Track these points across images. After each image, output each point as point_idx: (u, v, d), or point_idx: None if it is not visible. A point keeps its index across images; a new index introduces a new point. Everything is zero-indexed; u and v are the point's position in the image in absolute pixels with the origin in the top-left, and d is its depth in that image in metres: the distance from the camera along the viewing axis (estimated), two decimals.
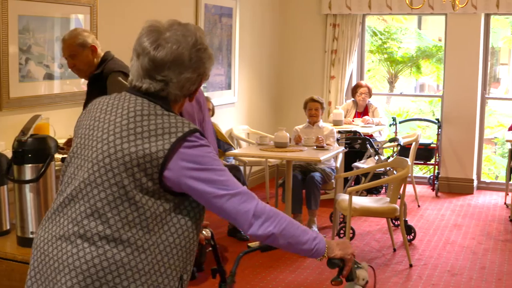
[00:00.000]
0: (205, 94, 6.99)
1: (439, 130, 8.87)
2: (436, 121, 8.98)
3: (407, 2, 6.70)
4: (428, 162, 9.05)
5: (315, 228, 6.69)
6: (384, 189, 7.89)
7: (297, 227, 2.10)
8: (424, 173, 10.73)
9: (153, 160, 1.99)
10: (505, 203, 8.14)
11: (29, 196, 2.84)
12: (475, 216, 7.57)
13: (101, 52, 4.28)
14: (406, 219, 6.59)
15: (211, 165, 2.02)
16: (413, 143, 7.92)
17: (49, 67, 5.27)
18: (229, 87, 8.30)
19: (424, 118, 10.86)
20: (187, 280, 2.15)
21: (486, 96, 9.06)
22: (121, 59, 4.34)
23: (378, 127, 8.33)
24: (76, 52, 4.17)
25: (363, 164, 7.45)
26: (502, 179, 9.92)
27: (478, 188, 9.02)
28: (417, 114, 12.47)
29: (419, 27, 13.24)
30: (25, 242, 2.86)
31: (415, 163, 8.81)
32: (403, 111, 12.61)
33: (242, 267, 5.58)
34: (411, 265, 5.78)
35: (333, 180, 6.94)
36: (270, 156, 6.61)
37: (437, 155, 8.81)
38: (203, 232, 2.52)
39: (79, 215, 2.02)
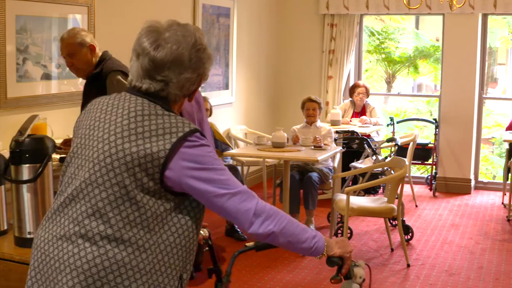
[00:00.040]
0: (203, 94, 7.00)
1: (437, 130, 8.87)
2: (434, 121, 8.99)
3: (405, 2, 6.70)
4: (426, 162, 9.06)
5: (312, 228, 6.69)
6: (381, 189, 7.89)
7: (296, 226, 2.11)
8: (421, 173, 10.74)
9: (154, 160, 1.99)
10: (502, 203, 8.15)
11: (26, 196, 2.84)
12: (473, 216, 7.57)
13: (99, 51, 4.28)
14: (404, 219, 6.60)
15: (211, 164, 2.03)
16: (411, 143, 7.92)
17: (46, 67, 5.27)
18: (226, 87, 8.30)
19: (421, 118, 10.87)
20: (186, 280, 2.16)
21: (484, 96, 9.07)
22: (118, 59, 4.35)
23: (375, 127, 8.34)
24: (75, 51, 4.17)
25: (361, 164, 7.45)
26: (499, 179, 9.93)
27: (476, 188, 9.03)
28: (415, 114, 12.49)
29: (417, 27, 13.26)
30: (23, 242, 2.85)
31: (413, 163, 8.81)
32: (400, 111, 12.63)
33: (239, 267, 5.58)
34: (408, 265, 5.78)
35: (330, 180, 6.94)
36: (267, 156, 6.62)
37: (434, 155, 8.82)
38: (201, 232, 2.52)
39: (80, 215, 2.03)
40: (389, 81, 12.91)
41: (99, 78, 4.18)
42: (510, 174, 7.56)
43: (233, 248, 6.05)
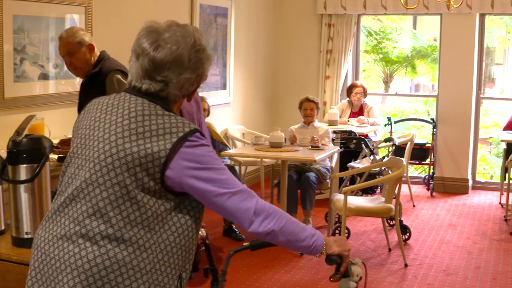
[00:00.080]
0: (200, 94, 6.99)
1: (434, 130, 8.88)
2: (431, 121, 9.00)
3: (402, 2, 6.71)
4: (423, 162, 9.07)
5: None
6: (379, 189, 7.90)
7: (296, 224, 2.13)
8: (419, 173, 10.75)
9: (155, 160, 2.01)
10: (500, 202, 8.16)
11: (24, 196, 2.84)
12: (470, 216, 7.58)
13: (97, 51, 4.29)
14: (401, 219, 6.60)
15: (212, 164, 2.05)
16: (408, 143, 7.93)
17: (44, 67, 5.26)
18: (224, 87, 8.30)
19: (419, 118, 10.88)
20: (186, 279, 2.17)
21: (481, 96, 9.08)
22: (116, 59, 4.35)
23: (373, 127, 8.34)
24: (74, 50, 4.17)
25: (358, 164, 7.46)
26: (497, 178, 9.95)
27: (473, 188, 9.04)
28: (412, 114, 12.50)
29: (414, 27, 13.27)
30: (20, 242, 2.85)
31: (410, 163, 8.82)
32: (398, 111, 12.64)
33: (237, 267, 5.59)
34: (406, 265, 5.79)
35: (328, 180, 6.94)
36: (265, 156, 6.61)
37: (432, 155, 8.82)
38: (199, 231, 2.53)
39: (81, 215, 2.03)
40: (387, 81, 12.92)
41: (98, 77, 4.18)
42: (507, 174, 7.56)
43: (230, 248, 6.05)
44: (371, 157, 7.25)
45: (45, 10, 5.19)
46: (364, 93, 8.65)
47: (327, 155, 6.50)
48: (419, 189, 8.97)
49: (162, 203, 2.05)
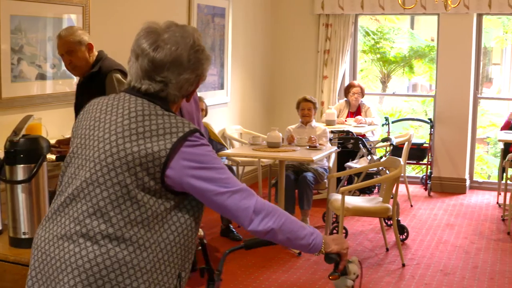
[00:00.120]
0: (198, 94, 6.98)
1: (432, 130, 8.88)
2: (429, 121, 9.00)
3: (400, 2, 6.71)
4: (421, 162, 9.07)
5: None
6: (376, 189, 7.90)
7: (295, 223, 2.14)
8: (416, 173, 10.76)
9: (155, 160, 2.02)
10: (497, 202, 8.16)
11: (21, 196, 2.84)
12: (468, 216, 7.59)
13: (95, 51, 4.29)
14: (399, 218, 6.60)
15: (212, 163, 2.06)
16: (406, 143, 7.93)
17: (41, 67, 5.26)
18: (221, 87, 8.30)
19: (416, 118, 10.89)
20: (185, 278, 2.18)
21: (479, 96, 9.09)
22: (113, 59, 4.35)
23: (370, 127, 8.35)
24: (74, 48, 4.17)
25: (356, 164, 7.46)
26: (494, 178, 9.95)
27: (471, 187, 9.05)
28: (410, 114, 12.51)
29: (412, 27, 13.28)
30: (18, 242, 2.85)
31: (408, 163, 8.83)
32: (395, 111, 12.65)
33: (235, 267, 5.59)
34: (403, 265, 5.79)
35: (325, 180, 6.94)
36: (263, 156, 6.61)
37: (429, 154, 8.83)
38: None
39: (81, 214, 2.04)
40: (384, 81, 12.92)
41: (97, 77, 4.18)
42: (505, 174, 7.57)
43: (228, 248, 6.03)
44: (369, 157, 7.26)
45: (42, 10, 5.19)
46: (362, 93, 8.65)
47: (325, 155, 6.49)
48: (416, 189, 8.97)
49: (162, 203, 2.06)
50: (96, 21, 5.73)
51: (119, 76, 4.13)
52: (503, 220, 7.35)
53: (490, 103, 12.28)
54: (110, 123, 2.09)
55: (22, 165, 2.81)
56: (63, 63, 4.43)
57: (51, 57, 5.29)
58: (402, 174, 7.75)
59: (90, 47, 4.23)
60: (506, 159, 7.32)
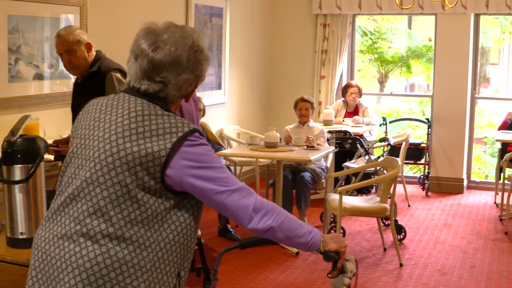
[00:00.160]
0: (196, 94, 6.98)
1: (429, 129, 8.89)
2: (426, 121, 9.01)
3: (397, 2, 6.72)
4: (418, 162, 9.08)
5: None
6: (374, 189, 7.91)
7: (294, 221, 2.15)
8: (414, 173, 10.77)
9: (155, 159, 2.03)
10: (495, 202, 8.17)
11: (18, 196, 2.83)
12: (465, 216, 7.59)
13: (93, 51, 4.29)
14: (397, 218, 6.61)
15: (211, 163, 2.07)
16: (403, 143, 7.94)
17: (39, 67, 5.25)
18: (219, 87, 8.30)
19: (414, 118, 10.90)
20: (184, 277, 2.19)
21: (476, 95, 9.09)
22: (111, 59, 4.35)
23: (368, 127, 8.35)
24: (73, 47, 4.16)
25: (354, 164, 7.46)
26: (492, 178, 9.97)
27: (468, 187, 9.05)
28: (407, 113, 12.52)
29: (409, 27, 13.29)
30: (15, 243, 2.85)
31: (405, 163, 8.83)
32: (393, 110, 12.66)
33: (232, 267, 5.58)
34: (401, 265, 5.79)
35: (323, 180, 6.95)
36: (260, 156, 6.62)
37: (427, 154, 8.83)
38: None
39: (82, 214, 2.05)
40: (382, 81, 12.93)
41: (96, 76, 4.18)
42: (502, 174, 7.58)
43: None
44: (366, 157, 7.26)
45: (40, 10, 5.19)
46: (359, 93, 8.66)
47: (322, 155, 6.50)
48: (414, 189, 8.98)
49: (162, 202, 2.07)
50: (94, 21, 5.73)
51: (119, 75, 4.14)
52: (501, 220, 7.36)
53: (487, 103, 12.29)
54: (110, 123, 2.10)
55: (19, 165, 2.81)
56: (60, 63, 4.43)
57: (48, 57, 5.29)
58: (400, 174, 7.76)
59: (89, 47, 4.23)
60: (504, 159, 7.33)
